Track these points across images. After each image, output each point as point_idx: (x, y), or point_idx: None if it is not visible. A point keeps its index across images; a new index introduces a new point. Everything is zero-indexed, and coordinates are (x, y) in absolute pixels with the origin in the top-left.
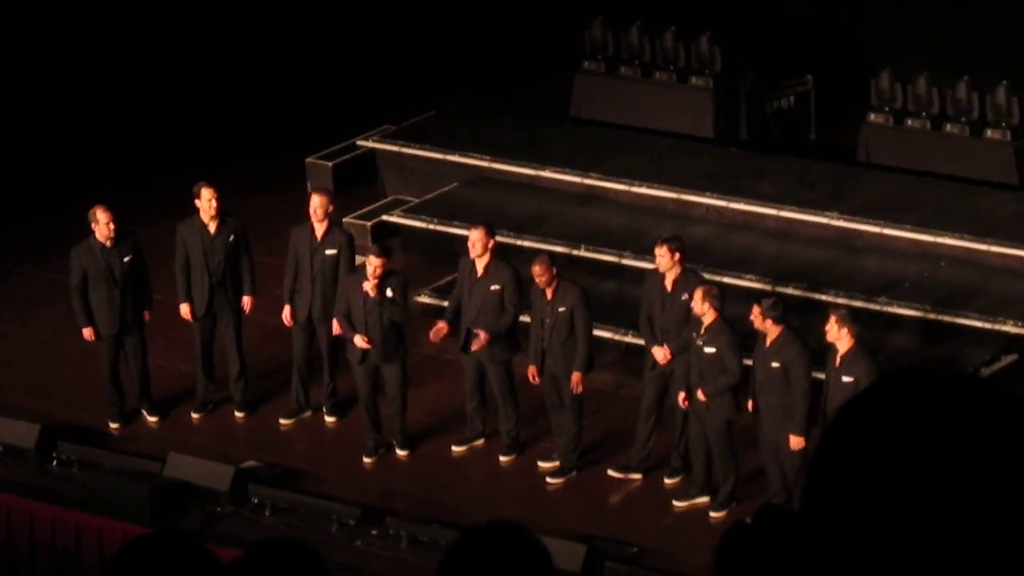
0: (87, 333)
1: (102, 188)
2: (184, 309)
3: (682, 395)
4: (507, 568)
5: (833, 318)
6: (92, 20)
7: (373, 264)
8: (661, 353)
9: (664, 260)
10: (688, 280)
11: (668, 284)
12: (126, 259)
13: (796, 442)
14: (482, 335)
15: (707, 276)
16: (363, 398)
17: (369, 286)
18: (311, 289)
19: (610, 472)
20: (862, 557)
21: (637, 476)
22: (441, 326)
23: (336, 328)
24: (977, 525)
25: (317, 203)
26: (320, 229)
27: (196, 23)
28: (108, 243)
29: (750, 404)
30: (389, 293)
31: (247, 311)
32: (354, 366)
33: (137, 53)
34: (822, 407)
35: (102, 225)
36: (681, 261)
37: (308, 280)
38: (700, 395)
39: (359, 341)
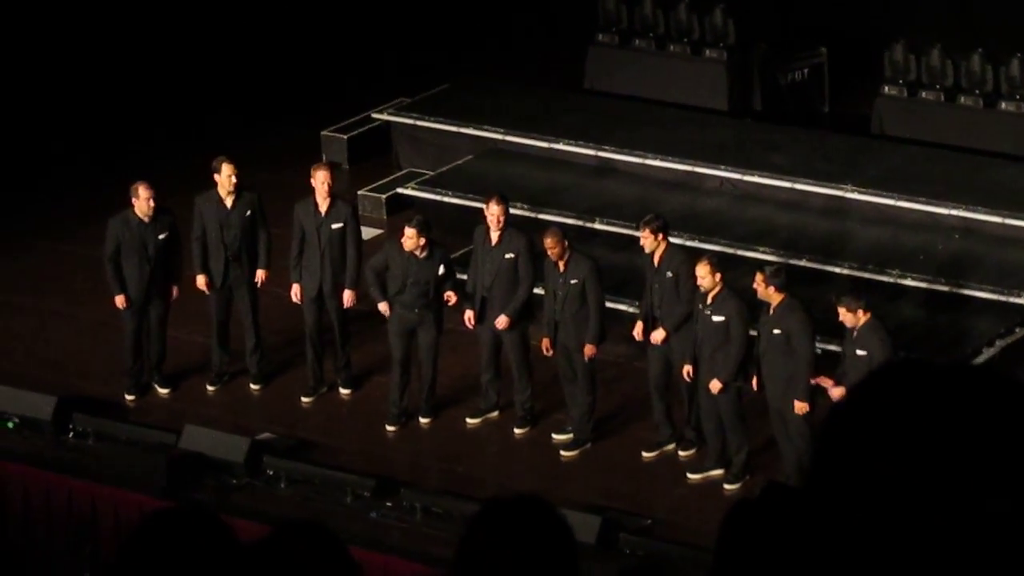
0: (119, 300)
1: (119, 162)
2: (200, 280)
3: (687, 368)
4: (530, 541)
5: (842, 308)
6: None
7: (410, 234)
8: (658, 335)
9: (648, 242)
10: (673, 256)
11: (655, 262)
12: (161, 236)
13: (800, 407)
14: (501, 320)
15: (720, 249)
16: (396, 363)
17: (415, 250)
18: (319, 264)
19: (644, 455)
20: (863, 543)
21: (686, 452)
22: (450, 295)
23: (348, 299)
24: (977, 513)
25: (322, 177)
26: (324, 204)
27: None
28: (146, 219)
29: (755, 382)
30: (442, 269)
31: (260, 285)
32: (391, 334)
33: (156, 27)
34: (841, 379)
35: (142, 200)
36: (665, 238)
37: (316, 255)
38: (716, 385)
39: (383, 308)
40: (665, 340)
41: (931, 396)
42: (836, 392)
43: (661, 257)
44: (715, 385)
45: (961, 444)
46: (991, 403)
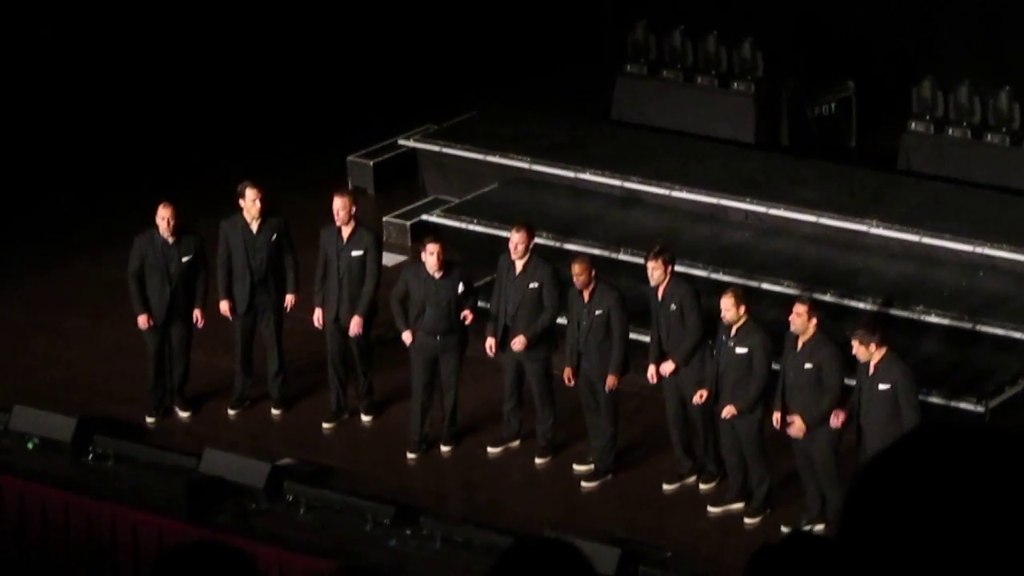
0: (141, 320)
1: (145, 185)
2: (224, 306)
3: (701, 393)
4: None
5: (855, 342)
6: (145, 17)
7: (433, 250)
8: (667, 367)
9: (659, 272)
10: (676, 287)
11: (659, 295)
12: (185, 258)
13: (799, 428)
14: (519, 340)
15: (743, 281)
16: (418, 391)
17: (434, 270)
18: (338, 290)
19: (665, 487)
20: None
21: (707, 484)
22: (467, 313)
23: (354, 327)
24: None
25: (339, 205)
26: (346, 231)
27: (242, 20)
28: (169, 239)
29: (777, 417)
30: (461, 288)
31: (289, 309)
32: (413, 360)
33: (188, 51)
34: (855, 416)
35: (161, 220)
36: (671, 271)
37: (335, 281)
38: (731, 410)
39: (406, 337)
40: (674, 372)
41: (960, 462)
42: (837, 420)
43: (665, 290)
44: (729, 410)
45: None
46: (1018, 470)
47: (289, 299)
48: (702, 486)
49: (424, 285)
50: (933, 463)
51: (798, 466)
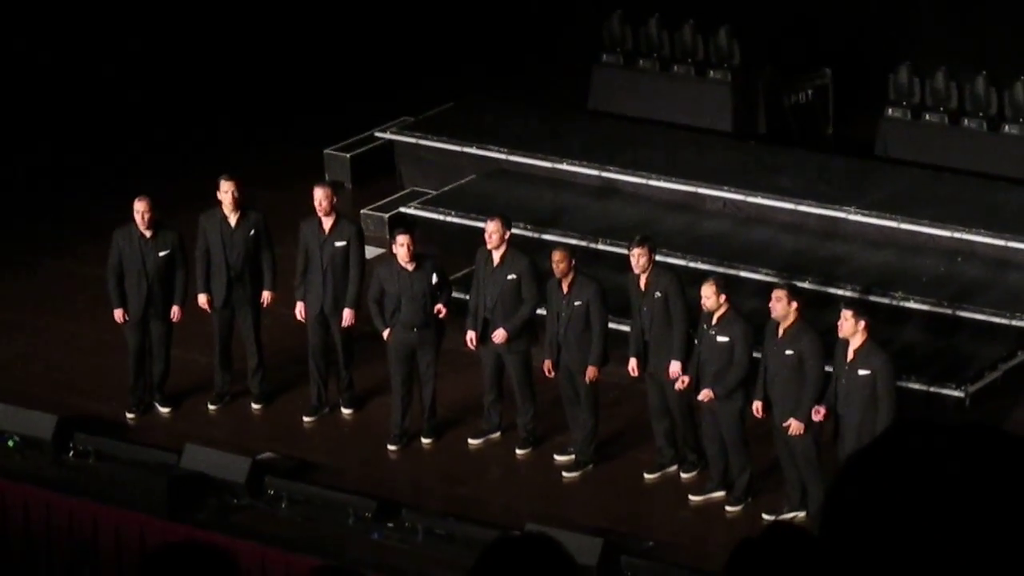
0: (117, 314)
1: (124, 180)
2: (202, 299)
3: (683, 379)
4: None
5: (849, 313)
6: (120, 12)
7: (403, 241)
8: (675, 367)
9: (643, 260)
10: (660, 276)
11: (642, 284)
12: (162, 253)
13: (797, 427)
14: (500, 333)
15: (722, 270)
16: (397, 384)
17: (406, 262)
18: (322, 283)
19: (647, 476)
20: None
21: (687, 474)
22: (440, 307)
23: (347, 318)
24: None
25: (321, 195)
26: (328, 222)
27: (217, 13)
28: (146, 234)
29: (758, 406)
30: (435, 279)
31: (266, 306)
32: (391, 354)
33: (163, 45)
34: (833, 403)
35: (137, 214)
36: (654, 259)
37: (319, 274)
38: (708, 394)
39: (387, 336)
40: (663, 365)
41: (940, 458)
42: (819, 416)
43: (648, 279)
44: (707, 394)
45: (968, 506)
46: (998, 464)
47: (266, 296)
48: (683, 475)
49: (398, 279)
50: (913, 459)
51: (779, 455)
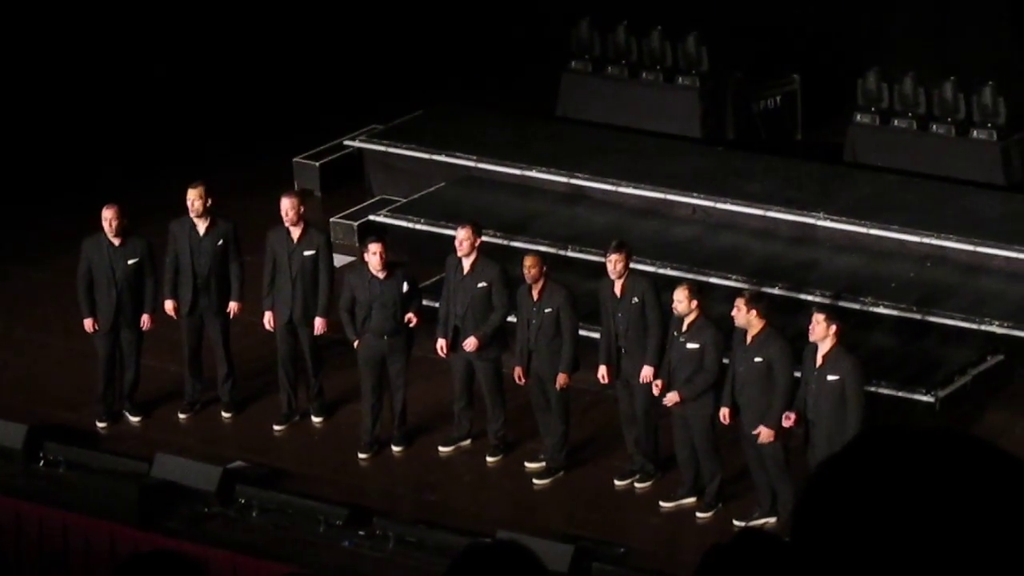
0: (87, 323)
1: (94, 190)
2: (168, 306)
3: (658, 383)
4: None
5: (821, 316)
6: (89, 22)
7: (375, 249)
8: (672, 398)
9: (621, 266)
10: (636, 282)
11: (617, 290)
12: (131, 261)
13: (768, 434)
14: (471, 341)
15: (692, 276)
16: (367, 392)
17: (377, 270)
18: (291, 292)
19: (617, 483)
20: None
21: (642, 484)
22: (411, 316)
23: (319, 327)
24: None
25: (288, 206)
26: (296, 232)
27: (189, 23)
28: (115, 241)
29: (725, 413)
30: (406, 287)
31: (233, 317)
32: (361, 362)
33: (129, 55)
34: (803, 409)
35: (105, 222)
36: (629, 265)
37: (288, 282)
38: (674, 397)
39: (357, 345)
40: (636, 370)
41: (910, 465)
42: (789, 421)
43: (624, 284)
44: (672, 397)
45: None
46: (969, 471)
47: (233, 306)
48: (637, 485)
49: (369, 287)
50: (884, 466)
51: (748, 461)
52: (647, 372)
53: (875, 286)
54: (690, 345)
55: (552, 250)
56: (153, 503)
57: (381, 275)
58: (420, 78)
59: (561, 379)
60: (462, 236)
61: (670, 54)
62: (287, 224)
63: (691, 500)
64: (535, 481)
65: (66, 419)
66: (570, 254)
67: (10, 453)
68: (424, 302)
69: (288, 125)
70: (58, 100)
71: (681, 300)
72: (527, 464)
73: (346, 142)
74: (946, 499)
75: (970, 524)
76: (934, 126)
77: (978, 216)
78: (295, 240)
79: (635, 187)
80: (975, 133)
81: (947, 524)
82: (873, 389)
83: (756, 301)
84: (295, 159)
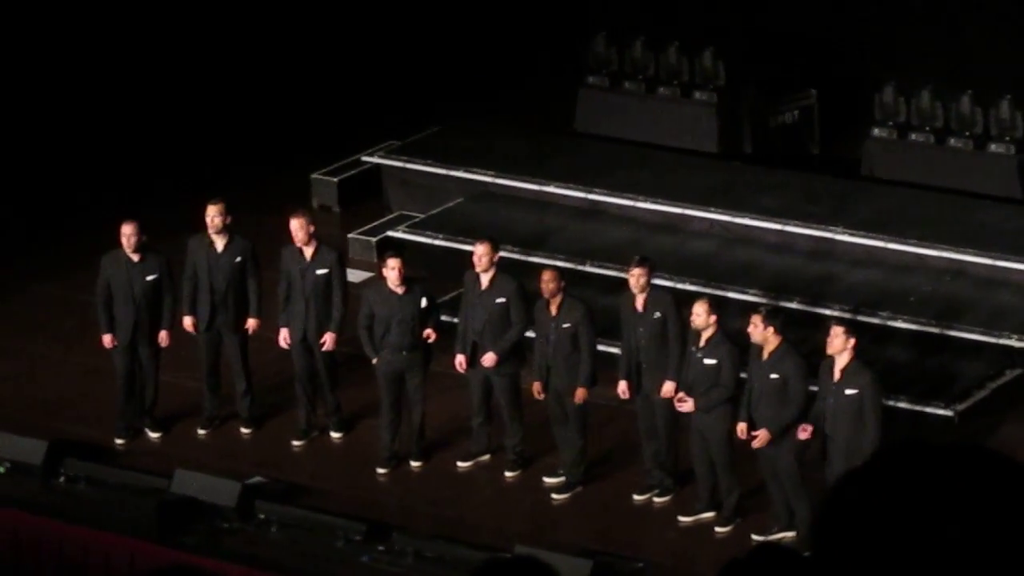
0: (106, 339)
1: (113, 206)
2: (187, 322)
3: (681, 396)
4: None
5: (840, 329)
6: (108, 39)
7: (394, 265)
8: (687, 406)
9: (644, 281)
10: (659, 297)
11: (639, 305)
12: (149, 277)
13: (763, 437)
14: (489, 356)
15: (709, 291)
16: (386, 407)
17: (396, 285)
18: (305, 310)
19: (636, 497)
20: None
21: (660, 499)
22: (429, 332)
23: (330, 343)
24: None
25: (296, 226)
26: (308, 250)
27: (202, 40)
28: (134, 258)
29: (742, 428)
30: (424, 303)
31: (251, 333)
32: (380, 377)
33: (149, 73)
34: (821, 422)
35: (123, 238)
36: (650, 280)
37: (301, 301)
38: (689, 405)
39: (376, 362)
40: (659, 385)
41: (931, 479)
42: (805, 433)
43: (646, 300)
44: (688, 406)
45: (962, 525)
46: (991, 485)
47: (251, 323)
48: (655, 500)
49: (387, 302)
50: (905, 480)
51: (764, 477)
52: (668, 387)
53: (893, 300)
54: (707, 361)
55: (569, 265)
56: (172, 519)
57: (399, 291)
58: (437, 94)
59: (580, 394)
60: (480, 252)
61: (687, 69)
62: (298, 244)
63: (710, 515)
64: (553, 496)
65: (85, 435)
66: (587, 269)
67: (30, 469)
68: (442, 317)
69: (306, 141)
70: (77, 117)
71: (700, 314)
72: (545, 479)
73: (364, 158)
74: (967, 514)
75: (991, 539)
76: (951, 140)
77: (996, 230)
78: (308, 259)
79: (652, 202)
80: (993, 147)
81: (968, 540)
82: (891, 403)
83: (772, 318)
84: (313, 175)
